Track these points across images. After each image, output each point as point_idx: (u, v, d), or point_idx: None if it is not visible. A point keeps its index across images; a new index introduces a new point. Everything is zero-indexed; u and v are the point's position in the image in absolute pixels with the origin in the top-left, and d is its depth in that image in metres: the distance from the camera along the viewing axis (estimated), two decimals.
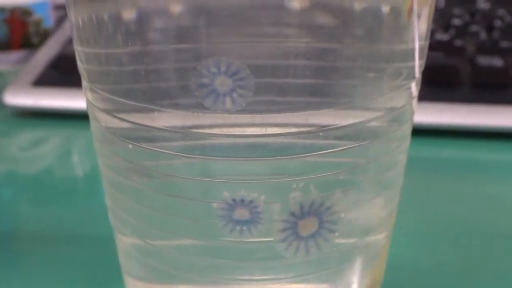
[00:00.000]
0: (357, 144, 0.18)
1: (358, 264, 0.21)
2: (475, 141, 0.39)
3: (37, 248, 0.28)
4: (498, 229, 0.30)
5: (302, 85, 0.16)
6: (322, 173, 0.17)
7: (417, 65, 0.19)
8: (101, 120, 0.19)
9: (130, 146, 0.18)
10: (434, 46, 0.44)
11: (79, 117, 0.40)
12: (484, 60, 0.43)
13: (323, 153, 0.17)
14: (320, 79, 0.17)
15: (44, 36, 0.52)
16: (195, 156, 0.17)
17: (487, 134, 0.40)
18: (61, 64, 0.45)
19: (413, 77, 0.19)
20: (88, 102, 0.20)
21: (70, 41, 0.48)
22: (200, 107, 0.16)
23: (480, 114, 0.40)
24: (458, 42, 0.45)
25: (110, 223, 0.22)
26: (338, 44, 0.17)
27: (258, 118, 0.16)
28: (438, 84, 0.42)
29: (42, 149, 0.39)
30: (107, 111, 0.18)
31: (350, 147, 0.17)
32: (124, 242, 0.21)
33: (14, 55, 0.51)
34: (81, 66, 0.19)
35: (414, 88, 0.20)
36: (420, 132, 0.39)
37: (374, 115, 0.18)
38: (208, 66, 0.15)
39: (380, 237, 0.21)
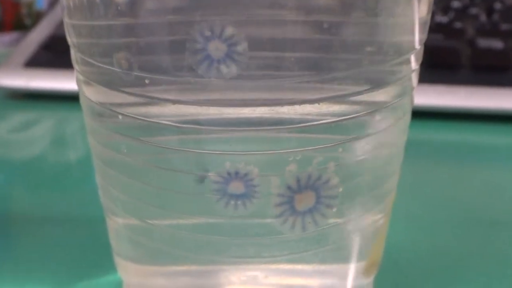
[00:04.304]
0: (356, 115, 0.17)
1: (356, 244, 0.20)
2: (475, 124, 0.39)
3: (28, 230, 0.28)
4: (497, 212, 0.30)
5: (299, 57, 0.16)
6: (320, 145, 0.16)
7: (417, 38, 0.19)
8: (90, 92, 0.18)
9: (120, 117, 0.17)
10: (433, 28, 0.44)
11: (72, 99, 0.39)
12: (484, 42, 0.42)
13: (321, 124, 0.16)
14: (318, 53, 0.16)
15: (37, 17, 0.51)
16: (189, 127, 0.16)
17: (487, 116, 0.40)
18: (54, 45, 0.44)
19: (413, 49, 0.18)
20: (77, 74, 0.19)
21: (62, 23, 0.48)
22: (194, 75, 0.15)
23: (480, 97, 0.39)
24: (458, 25, 0.45)
25: (102, 205, 0.21)
26: (336, 17, 0.16)
27: (253, 87, 0.15)
28: (438, 66, 0.41)
29: (34, 132, 0.39)
30: (97, 83, 0.18)
31: (348, 119, 0.17)
32: (115, 221, 0.21)
33: (6, 37, 0.50)
34: (70, 39, 0.19)
35: (414, 61, 0.19)
36: (419, 114, 0.39)
37: (373, 86, 0.17)
38: (202, 30, 0.15)
39: (378, 217, 0.20)
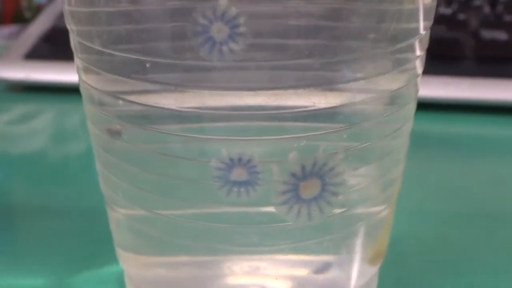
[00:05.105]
0: (360, 101, 0.17)
1: (361, 234, 0.20)
2: (478, 115, 0.39)
3: (28, 222, 0.28)
4: (501, 204, 0.30)
5: (302, 41, 0.16)
6: (325, 131, 0.16)
7: (422, 23, 0.18)
8: (90, 79, 0.18)
9: (121, 103, 0.16)
10: (437, 20, 0.43)
11: (72, 91, 0.39)
12: (487, 34, 0.42)
13: (325, 109, 0.16)
14: (322, 36, 0.16)
15: (37, 10, 0.51)
16: (190, 111, 0.16)
17: (490, 108, 0.39)
18: (54, 37, 0.44)
19: (418, 34, 0.18)
20: (76, 60, 0.19)
21: (62, 15, 0.47)
22: (196, 58, 0.15)
23: (483, 88, 0.39)
24: (461, 16, 0.45)
25: (102, 195, 0.21)
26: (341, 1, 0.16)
27: (256, 70, 0.15)
28: (441, 57, 0.41)
29: (34, 124, 0.39)
30: (97, 68, 0.17)
31: (352, 104, 0.16)
32: (116, 211, 0.20)
33: (6, 30, 0.50)
34: (69, 26, 0.18)
35: (419, 47, 0.19)
36: (423, 106, 0.38)
37: (377, 72, 0.17)
38: (204, 12, 0.14)
39: (384, 206, 0.20)
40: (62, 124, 0.39)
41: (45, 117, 0.40)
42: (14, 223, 0.28)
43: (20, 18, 0.50)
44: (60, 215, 0.28)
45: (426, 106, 0.39)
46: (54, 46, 0.43)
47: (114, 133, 0.18)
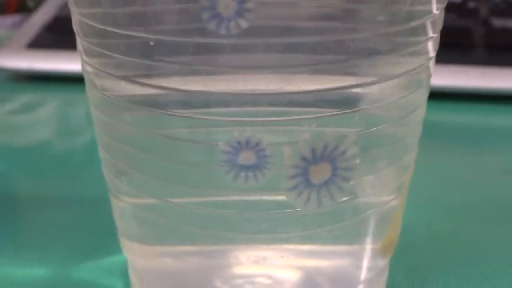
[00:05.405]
0: (371, 82, 0.16)
1: (372, 223, 0.19)
2: (488, 105, 0.38)
3: (31, 212, 0.28)
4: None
5: (314, 25, 0.15)
6: (337, 111, 0.15)
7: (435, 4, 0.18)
8: (93, 60, 0.17)
9: (124, 84, 0.16)
10: (446, 8, 0.43)
11: (75, 80, 0.39)
12: (498, 22, 0.42)
13: (337, 90, 0.15)
14: (335, 19, 0.15)
15: (40, 0, 0.50)
16: (196, 90, 0.15)
17: (500, 97, 0.39)
18: (57, 26, 0.43)
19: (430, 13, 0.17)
20: (78, 44, 0.18)
21: (66, 4, 0.47)
22: (202, 35, 0.14)
23: (493, 77, 0.39)
24: (471, 4, 0.44)
25: (106, 183, 0.20)
26: None
27: (265, 48, 0.15)
28: (451, 46, 0.40)
29: (37, 114, 0.38)
30: (99, 47, 0.17)
31: (366, 82, 0.16)
32: (120, 199, 0.20)
33: (9, 20, 0.50)
34: (71, 8, 0.18)
35: (430, 28, 0.18)
36: (432, 95, 0.38)
37: (392, 51, 0.17)
38: None
39: (395, 195, 0.20)
40: (66, 114, 0.39)
41: (48, 106, 0.39)
42: (17, 213, 0.28)
43: (24, 8, 0.50)
44: (63, 205, 0.28)
45: (435, 95, 0.38)
46: (57, 35, 0.43)
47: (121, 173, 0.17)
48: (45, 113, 0.38)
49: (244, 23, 0.14)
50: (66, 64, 0.40)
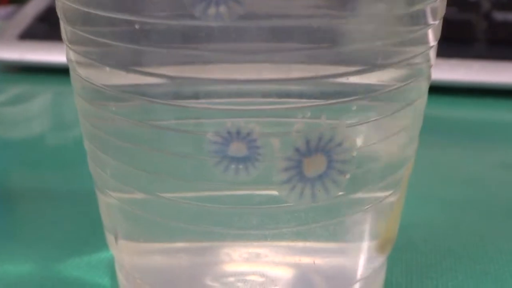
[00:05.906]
0: (369, 69, 0.15)
1: (369, 219, 0.19)
2: (490, 99, 0.38)
3: (19, 206, 0.28)
4: None
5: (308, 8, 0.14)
6: (333, 100, 0.15)
7: None
8: (76, 47, 0.17)
9: (108, 69, 0.15)
10: (448, 1, 0.42)
11: (68, 72, 0.38)
12: (500, 16, 0.41)
13: (332, 76, 0.14)
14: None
15: None
16: (184, 76, 0.14)
17: (502, 91, 0.38)
18: (50, 17, 0.42)
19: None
20: (63, 28, 0.18)
21: None
22: (190, 18, 0.13)
23: (495, 71, 0.38)
24: None
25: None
26: None
27: (257, 33, 0.14)
28: (452, 40, 0.40)
29: (29, 105, 0.38)
30: (84, 32, 0.16)
31: (365, 69, 0.15)
32: (105, 193, 0.19)
33: (2, 11, 0.49)
34: None
35: (430, 13, 0.17)
36: (432, 89, 0.37)
37: (391, 38, 0.16)
38: None
39: (394, 190, 0.19)
40: (58, 105, 0.38)
41: (40, 98, 0.39)
42: (5, 207, 0.27)
43: None
44: (52, 199, 0.28)
45: (436, 89, 0.37)
46: (49, 26, 0.42)
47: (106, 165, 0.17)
48: (37, 104, 0.38)
49: (237, 8, 0.13)
50: (58, 55, 0.39)
